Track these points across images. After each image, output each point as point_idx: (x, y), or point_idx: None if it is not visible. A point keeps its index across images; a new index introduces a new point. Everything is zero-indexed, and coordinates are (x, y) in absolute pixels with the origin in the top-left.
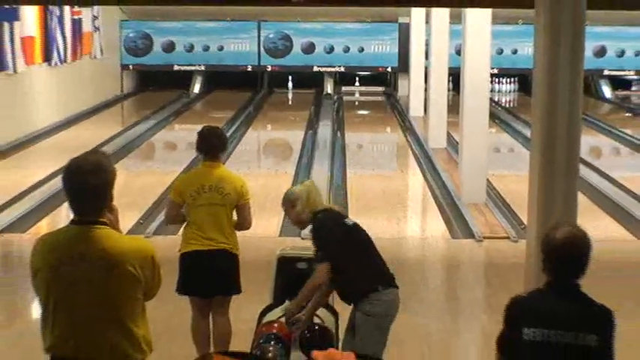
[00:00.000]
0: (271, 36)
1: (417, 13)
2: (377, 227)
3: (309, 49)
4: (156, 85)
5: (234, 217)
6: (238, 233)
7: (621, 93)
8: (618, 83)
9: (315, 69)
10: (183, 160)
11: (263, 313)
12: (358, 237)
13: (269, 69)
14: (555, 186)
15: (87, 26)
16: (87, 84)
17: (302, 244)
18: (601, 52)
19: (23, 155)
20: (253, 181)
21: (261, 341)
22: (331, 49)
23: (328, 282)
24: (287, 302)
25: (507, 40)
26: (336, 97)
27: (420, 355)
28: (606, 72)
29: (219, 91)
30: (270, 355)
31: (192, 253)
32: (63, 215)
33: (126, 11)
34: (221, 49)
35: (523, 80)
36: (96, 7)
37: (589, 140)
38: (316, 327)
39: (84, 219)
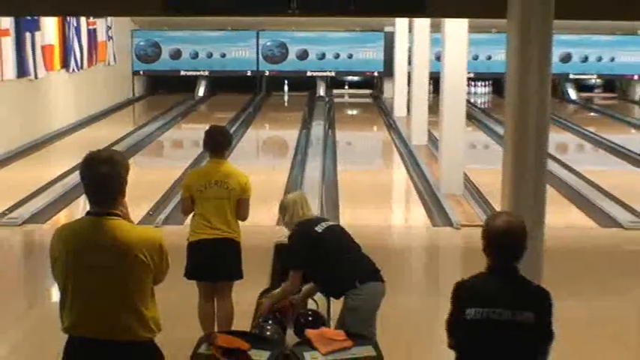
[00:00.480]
0: (269, 44)
1: (401, 23)
2: (365, 217)
3: (303, 55)
4: (164, 89)
5: None
6: (240, 223)
7: (585, 95)
8: (582, 86)
9: (309, 74)
10: (189, 157)
11: (262, 296)
12: (329, 243)
13: (267, 74)
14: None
15: (101, 35)
16: (101, 88)
17: None
18: (567, 58)
19: (43, 153)
20: (253, 176)
21: (260, 321)
22: (323, 56)
23: (298, 289)
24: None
25: (482, 47)
26: (327, 99)
27: (403, 331)
28: (572, 76)
29: (221, 94)
30: (268, 333)
31: (200, 242)
32: (80, 207)
33: (137, 21)
34: (223, 56)
35: (497, 83)
36: (109, 18)
37: (556, 137)
38: (309, 312)
39: (99, 210)
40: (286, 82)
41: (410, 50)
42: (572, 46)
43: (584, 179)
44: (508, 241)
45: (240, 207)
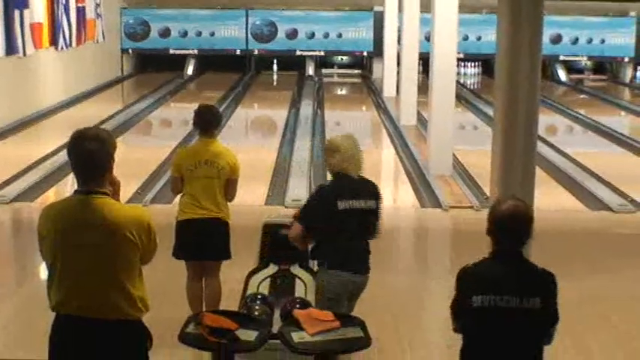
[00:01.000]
0: (258, 23)
1: (391, 3)
2: None
3: (293, 34)
4: (153, 68)
5: None
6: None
7: (575, 77)
8: (572, 68)
9: (298, 53)
10: (178, 136)
11: (249, 275)
12: (340, 224)
13: (256, 53)
14: (515, 160)
15: (90, 13)
16: (90, 66)
17: (285, 212)
18: (557, 40)
19: (32, 131)
20: (242, 155)
21: (247, 300)
22: (312, 35)
23: (301, 242)
24: (271, 265)
25: (472, 27)
26: (316, 79)
27: (391, 311)
28: (562, 57)
29: (210, 73)
30: (256, 312)
31: (188, 221)
32: (68, 185)
33: (125, 0)
34: (212, 34)
35: (486, 64)
36: None
37: (546, 119)
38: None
39: (87, 189)
40: (275, 61)
41: (399, 30)
42: (563, 27)
43: (573, 161)
44: (513, 225)
45: (229, 187)
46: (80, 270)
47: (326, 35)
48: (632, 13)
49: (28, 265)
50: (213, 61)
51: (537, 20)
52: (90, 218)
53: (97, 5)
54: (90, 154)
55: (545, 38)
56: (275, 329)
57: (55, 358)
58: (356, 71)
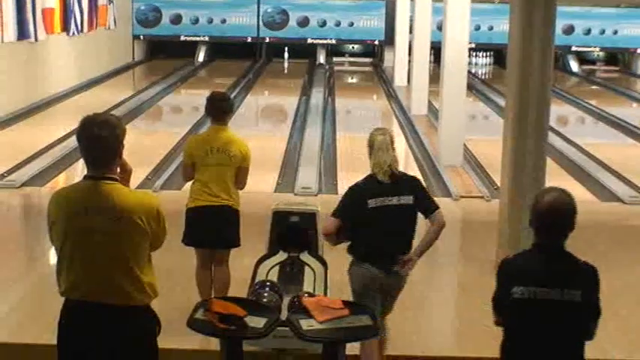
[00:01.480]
0: (269, 10)
1: None
2: None
3: (304, 22)
4: (164, 54)
5: None
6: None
7: (587, 68)
8: (584, 59)
9: (309, 41)
10: (189, 122)
11: (259, 262)
12: (370, 220)
13: (267, 40)
14: (526, 151)
15: (102, 0)
16: (101, 52)
17: (295, 199)
18: (569, 30)
19: (44, 115)
20: (252, 142)
21: (256, 287)
22: (324, 23)
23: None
24: (281, 252)
25: (484, 17)
26: (327, 67)
27: (401, 299)
28: (574, 48)
29: (221, 60)
30: (264, 300)
31: (199, 208)
32: (78, 170)
33: None
34: (224, 21)
35: (498, 54)
36: None
37: (557, 110)
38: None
39: (96, 174)
40: (286, 49)
41: (411, 19)
42: (575, 18)
43: (584, 152)
44: (555, 218)
45: (240, 175)
46: (89, 255)
47: (338, 23)
48: None
49: (37, 250)
50: (224, 48)
51: (550, 10)
52: (99, 203)
53: None
54: (99, 140)
55: (558, 29)
56: (283, 316)
57: (63, 343)
58: (367, 60)
